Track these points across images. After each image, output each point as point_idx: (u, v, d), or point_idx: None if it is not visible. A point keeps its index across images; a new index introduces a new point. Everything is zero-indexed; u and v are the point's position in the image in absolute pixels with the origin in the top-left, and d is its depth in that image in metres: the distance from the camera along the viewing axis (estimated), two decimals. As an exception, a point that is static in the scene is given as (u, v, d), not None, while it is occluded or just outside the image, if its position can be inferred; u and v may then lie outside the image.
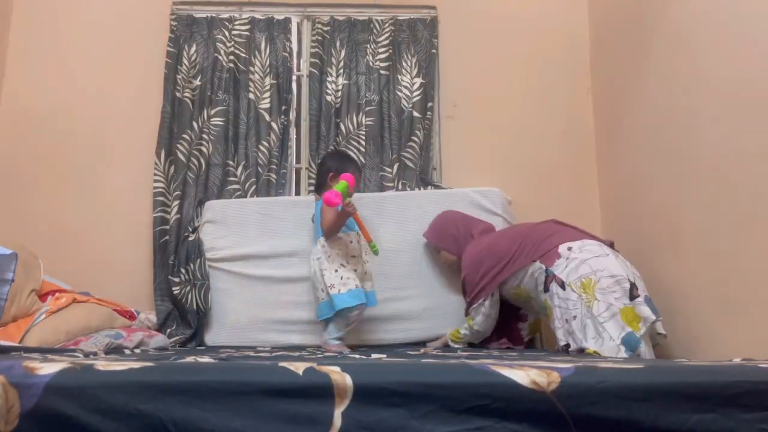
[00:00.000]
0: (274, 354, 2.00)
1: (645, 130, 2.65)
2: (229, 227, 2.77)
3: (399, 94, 3.08)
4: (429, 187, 2.98)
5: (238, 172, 2.96)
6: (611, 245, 2.33)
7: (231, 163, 2.96)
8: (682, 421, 0.89)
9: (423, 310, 2.68)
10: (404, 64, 3.12)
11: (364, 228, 2.39)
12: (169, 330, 2.71)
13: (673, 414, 0.89)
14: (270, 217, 2.76)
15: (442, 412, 0.86)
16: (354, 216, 2.36)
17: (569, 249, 2.24)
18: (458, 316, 2.64)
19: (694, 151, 2.26)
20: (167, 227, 2.86)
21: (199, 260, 2.78)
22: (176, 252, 2.83)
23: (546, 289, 2.24)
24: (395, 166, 2.99)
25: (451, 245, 2.61)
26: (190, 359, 1.41)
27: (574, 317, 2.10)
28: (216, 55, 3.06)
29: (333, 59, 3.10)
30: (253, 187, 2.93)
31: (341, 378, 0.87)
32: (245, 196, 2.91)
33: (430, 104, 3.07)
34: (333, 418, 0.84)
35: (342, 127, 3.04)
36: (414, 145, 3.01)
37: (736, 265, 2.02)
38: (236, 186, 2.94)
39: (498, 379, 0.90)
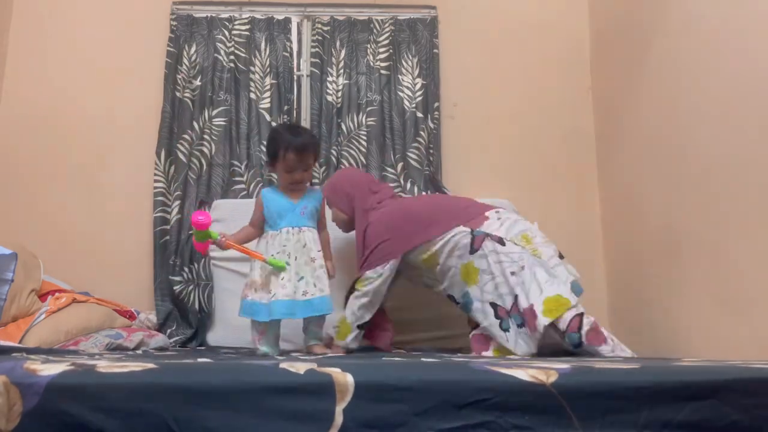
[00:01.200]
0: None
1: (645, 130, 2.65)
2: (236, 227, 2.76)
3: (400, 94, 3.09)
4: (437, 192, 2.98)
5: (242, 172, 2.96)
6: None
7: (236, 163, 2.96)
8: (679, 408, 0.90)
9: (426, 319, 2.67)
10: (405, 64, 3.12)
11: (249, 253, 2.16)
12: (169, 330, 2.72)
13: (672, 402, 0.90)
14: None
15: (443, 407, 0.86)
16: (233, 247, 2.15)
17: (497, 212, 2.27)
18: (463, 325, 2.66)
19: (694, 151, 2.26)
20: (168, 227, 2.86)
21: (203, 260, 2.79)
22: (178, 252, 2.83)
23: (474, 251, 2.15)
24: (399, 166, 2.99)
25: (342, 202, 2.42)
26: (191, 360, 1.41)
27: (522, 267, 2.07)
28: (216, 55, 3.06)
29: (333, 59, 3.11)
30: (259, 187, 2.93)
31: (342, 376, 0.87)
32: (250, 197, 2.91)
33: (436, 104, 3.07)
34: (334, 415, 0.85)
35: (343, 127, 3.04)
36: (419, 145, 3.02)
37: (735, 265, 2.02)
38: (242, 186, 2.94)
39: (498, 378, 0.91)
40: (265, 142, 2.96)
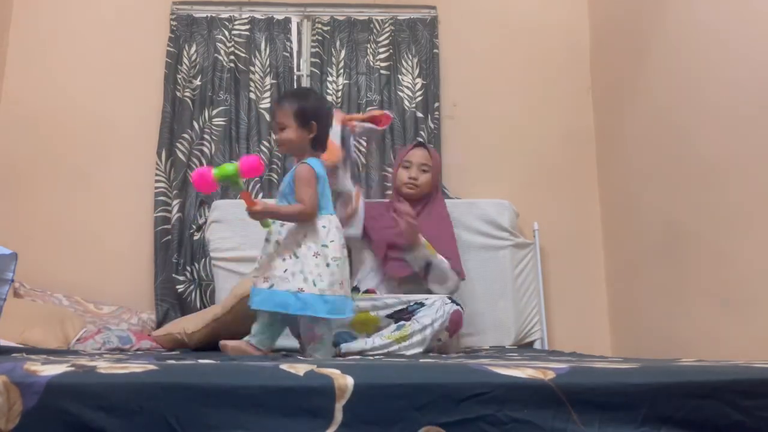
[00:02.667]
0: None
1: (645, 130, 2.65)
2: (236, 227, 2.76)
3: (400, 94, 3.08)
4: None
5: (241, 172, 2.96)
6: None
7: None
8: (679, 406, 0.90)
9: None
10: (405, 64, 3.13)
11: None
12: (169, 330, 2.72)
13: (672, 400, 0.91)
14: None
15: (442, 402, 0.87)
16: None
17: None
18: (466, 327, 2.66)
19: (694, 151, 2.26)
20: (168, 227, 2.86)
21: (204, 260, 2.80)
22: (180, 251, 2.83)
23: None
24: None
25: (435, 182, 2.60)
26: (191, 361, 1.42)
27: None
28: (216, 55, 3.06)
29: (333, 59, 3.11)
30: (258, 187, 2.93)
31: (342, 378, 0.88)
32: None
33: (437, 104, 3.07)
34: (334, 412, 0.85)
35: (342, 127, 3.04)
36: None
37: (736, 265, 2.02)
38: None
39: (497, 377, 0.91)
40: (265, 142, 2.97)
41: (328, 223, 1.84)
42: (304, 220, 1.83)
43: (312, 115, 1.90)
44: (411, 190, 2.48)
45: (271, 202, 2.14)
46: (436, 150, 2.78)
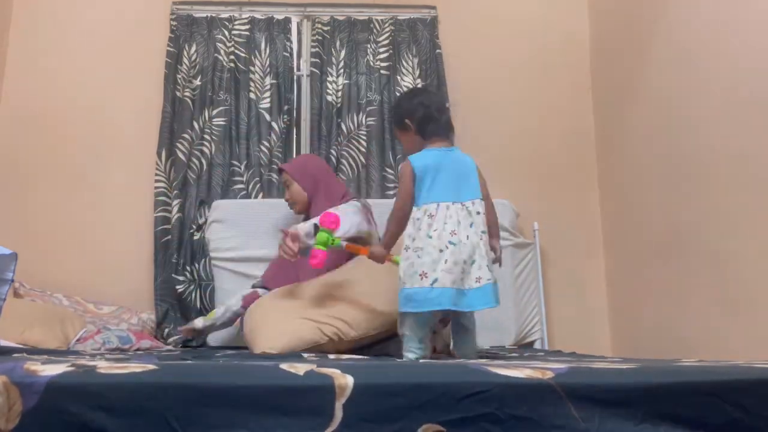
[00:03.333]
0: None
1: (645, 130, 2.65)
2: (237, 227, 2.76)
3: (399, 94, 3.08)
4: None
5: (242, 172, 2.96)
6: None
7: (236, 162, 2.96)
8: (679, 405, 0.91)
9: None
10: (405, 64, 3.12)
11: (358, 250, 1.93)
12: (167, 330, 2.72)
13: (672, 399, 0.91)
14: (279, 218, 2.75)
15: (442, 400, 0.87)
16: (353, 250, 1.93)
17: None
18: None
19: (694, 151, 2.26)
20: (168, 227, 2.86)
21: (204, 260, 2.80)
22: (180, 251, 2.83)
23: None
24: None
25: (309, 183, 2.45)
26: (190, 362, 1.41)
27: None
28: (216, 55, 3.06)
29: (333, 59, 3.11)
30: (257, 187, 2.93)
31: (342, 378, 0.88)
32: (250, 197, 2.92)
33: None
34: (334, 410, 0.85)
35: (343, 126, 3.05)
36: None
37: (736, 265, 2.02)
38: (241, 186, 2.94)
39: (497, 378, 0.91)
40: (265, 142, 2.97)
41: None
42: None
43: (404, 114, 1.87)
44: (293, 209, 2.53)
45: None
46: (292, 159, 2.86)
